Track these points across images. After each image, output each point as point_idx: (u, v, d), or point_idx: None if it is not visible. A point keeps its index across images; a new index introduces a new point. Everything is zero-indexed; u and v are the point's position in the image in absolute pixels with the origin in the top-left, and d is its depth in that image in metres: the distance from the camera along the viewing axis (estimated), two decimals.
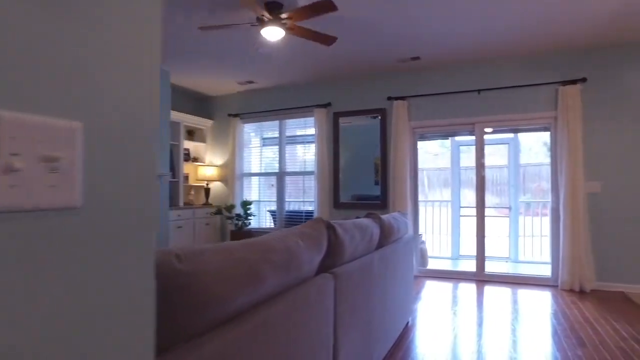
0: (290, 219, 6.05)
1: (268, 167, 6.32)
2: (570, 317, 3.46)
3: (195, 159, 6.50)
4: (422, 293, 4.35)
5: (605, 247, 4.34)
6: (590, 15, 3.70)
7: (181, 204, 5.85)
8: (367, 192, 5.44)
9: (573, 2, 3.47)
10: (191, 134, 6.47)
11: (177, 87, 5.97)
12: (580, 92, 4.40)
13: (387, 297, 2.51)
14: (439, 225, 7.05)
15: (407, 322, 3.27)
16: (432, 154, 9.09)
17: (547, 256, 6.17)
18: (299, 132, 6.11)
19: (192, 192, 6.44)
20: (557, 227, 4.48)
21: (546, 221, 6.43)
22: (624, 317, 3.45)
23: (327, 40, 3.71)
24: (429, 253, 6.78)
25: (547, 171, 5.00)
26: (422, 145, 8.15)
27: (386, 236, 2.55)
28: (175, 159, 5.88)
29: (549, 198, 4.77)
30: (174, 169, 5.83)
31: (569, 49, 4.50)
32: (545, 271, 4.81)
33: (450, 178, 7.02)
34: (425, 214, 7.09)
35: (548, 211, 6.62)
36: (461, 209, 6.87)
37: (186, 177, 6.25)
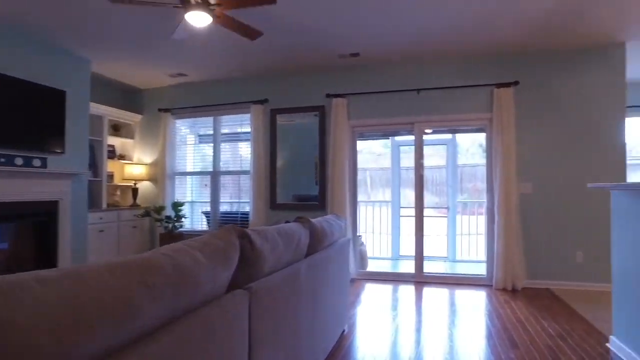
0: (225, 221, 5.73)
1: (202, 166, 5.94)
2: (503, 317, 3.47)
3: (122, 157, 5.97)
4: (361, 297, 4.23)
5: (534, 246, 4.46)
6: (520, 21, 3.75)
7: (104, 205, 5.33)
8: (308, 192, 5.25)
9: (503, 6, 3.49)
10: (117, 129, 5.93)
11: (101, 77, 5.43)
12: (513, 94, 4.49)
13: (318, 307, 2.31)
14: (379, 225, 7.02)
15: (343, 331, 3.11)
16: (375, 154, 9.14)
17: (482, 254, 6.33)
18: (234, 130, 5.80)
19: (118, 193, 5.91)
20: (492, 227, 4.55)
21: (482, 220, 6.60)
22: (551, 315, 3.52)
23: (252, 34, 3.45)
24: (370, 254, 6.74)
25: (482, 172, 5.09)
26: (366, 145, 8.15)
27: (318, 242, 2.36)
28: (98, 156, 5.34)
29: (484, 198, 4.85)
30: (95, 166, 5.29)
31: (504, 52, 4.58)
32: (481, 270, 4.87)
33: (391, 178, 7.02)
34: (365, 214, 7.03)
35: (484, 210, 6.83)
36: (401, 209, 6.89)
37: (111, 176, 5.71)
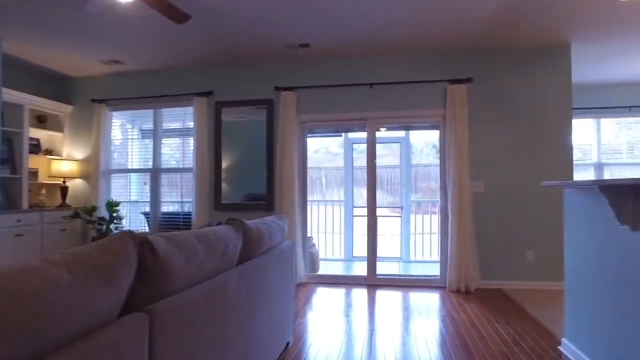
0: (166, 222, 5.29)
1: (143, 163, 5.45)
2: (457, 322, 3.32)
3: (49, 151, 5.36)
4: (311, 303, 3.97)
5: (487, 246, 4.39)
6: (469, 17, 3.64)
7: (25, 205, 4.73)
8: (260, 191, 4.91)
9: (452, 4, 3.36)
10: (43, 121, 5.32)
11: (21, 61, 4.82)
12: (467, 91, 4.39)
13: (254, 321, 2.02)
14: (332, 226, 6.79)
15: (288, 343, 2.83)
16: (332, 154, 9.04)
17: (436, 255, 6.25)
18: (177, 124, 5.36)
19: (43, 192, 5.30)
20: (446, 227, 4.42)
21: (436, 219, 6.54)
22: (504, 317, 3.42)
23: (178, 17, 3.09)
24: (323, 255, 6.51)
25: (435, 171, 5.01)
26: (323, 144, 7.96)
27: (253, 247, 2.06)
28: (16, 150, 4.74)
29: (437, 197, 4.74)
30: (13, 162, 4.69)
31: (457, 48, 4.48)
32: (435, 270, 4.75)
33: (344, 177, 6.81)
34: (318, 214, 6.80)
35: (437, 209, 6.78)
36: (355, 208, 6.69)
37: (34, 173, 5.10)
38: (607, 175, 6.05)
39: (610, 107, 5.90)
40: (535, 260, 4.31)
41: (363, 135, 4.86)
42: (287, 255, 2.68)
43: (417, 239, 6.52)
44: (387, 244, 6.98)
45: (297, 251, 4.57)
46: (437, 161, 4.72)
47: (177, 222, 5.25)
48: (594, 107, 5.81)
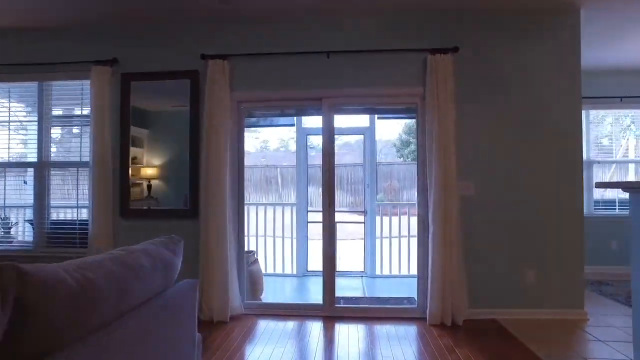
0: (56, 233, 3.95)
1: (23, 154, 4.08)
2: None
3: None
4: (243, 352, 2.81)
5: (477, 265, 3.41)
6: None
7: None
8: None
9: None
10: None
11: None
12: (452, 64, 3.39)
13: None
14: (282, 232, 5.63)
15: None
16: (290, 152, 8.30)
17: (406, 266, 5.26)
18: (72, 102, 4.02)
19: None
20: (426, 241, 3.40)
21: (405, 221, 5.55)
22: None
23: None
24: (271, 270, 5.38)
25: (398, 170, 4.01)
26: (283, 142, 6.89)
27: (61, 325, 0.90)
28: None
29: (402, 198, 3.73)
30: None
31: (441, 8, 3.48)
32: (406, 288, 3.74)
33: (296, 175, 5.68)
34: (265, 219, 5.63)
35: (406, 210, 5.82)
36: (309, 213, 5.57)
37: None
38: (597, 174, 5.32)
39: (598, 97, 5.19)
40: (538, 281, 3.38)
41: (319, 123, 3.77)
42: (183, 304, 1.53)
43: (384, 244, 5.45)
44: (348, 254, 5.95)
45: (231, 273, 3.41)
46: (399, 160, 3.71)
47: (72, 234, 3.93)
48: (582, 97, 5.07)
